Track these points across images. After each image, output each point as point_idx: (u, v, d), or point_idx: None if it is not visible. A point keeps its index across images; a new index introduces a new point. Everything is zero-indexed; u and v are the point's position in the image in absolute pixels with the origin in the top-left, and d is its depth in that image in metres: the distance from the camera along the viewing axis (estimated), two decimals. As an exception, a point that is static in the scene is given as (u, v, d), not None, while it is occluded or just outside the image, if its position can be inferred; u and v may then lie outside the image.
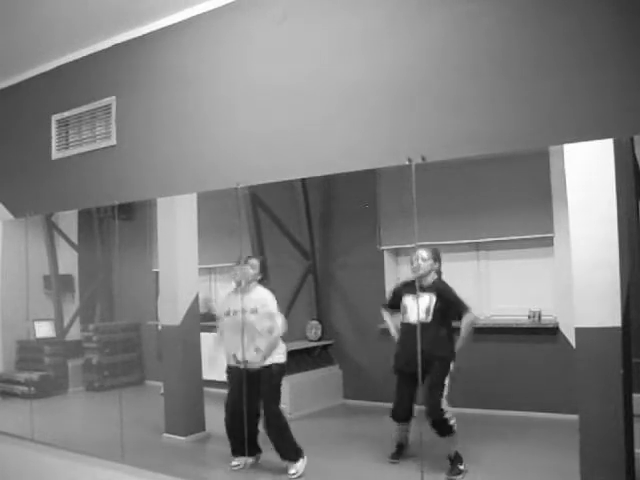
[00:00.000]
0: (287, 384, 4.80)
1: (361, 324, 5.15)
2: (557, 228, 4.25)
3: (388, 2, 2.76)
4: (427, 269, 3.57)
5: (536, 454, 3.48)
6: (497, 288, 4.64)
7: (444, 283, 3.61)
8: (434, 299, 3.48)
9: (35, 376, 5.35)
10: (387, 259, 5.09)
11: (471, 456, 3.43)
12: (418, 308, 3.44)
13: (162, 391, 4.48)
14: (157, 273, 4.70)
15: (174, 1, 3.34)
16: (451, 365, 3.47)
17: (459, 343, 3.51)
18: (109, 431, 3.79)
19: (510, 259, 4.62)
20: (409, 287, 3.65)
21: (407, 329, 3.55)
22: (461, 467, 3.34)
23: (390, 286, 3.72)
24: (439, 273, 3.63)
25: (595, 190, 2.63)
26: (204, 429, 4.21)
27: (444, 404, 3.40)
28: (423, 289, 3.54)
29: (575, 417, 2.65)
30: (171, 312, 4.31)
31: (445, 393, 3.41)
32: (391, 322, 3.76)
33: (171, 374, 4.41)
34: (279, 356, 3.68)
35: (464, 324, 3.52)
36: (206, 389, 4.32)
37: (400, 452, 3.65)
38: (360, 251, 5.28)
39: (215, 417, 3.81)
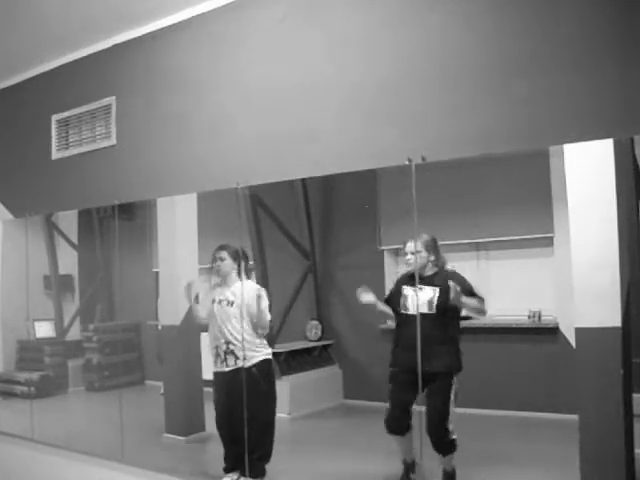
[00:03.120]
0: (287, 384, 4.81)
1: (361, 324, 5.15)
2: (557, 228, 4.24)
3: (387, 2, 2.76)
4: (422, 262, 3.21)
5: (536, 454, 3.48)
6: (497, 288, 4.63)
7: (452, 274, 3.20)
8: (437, 293, 3.13)
9: (35, 376, 5.35)
10: (387, 259, 5.09)
11: (471, 456, 3.42)
12: (418, 300, 3.09)
13: (162, 391, 4.48)
14: (157, 273, 4.70)
15: (173, 1, 3.34)
16: (454, 378, 3.14)
17: (461, 297, 3.06)
18: (109, 431, 3.79)
19: (510, 259, 4.62)
20: (410, 279, 3.24)
21: (406, 321, 3.15)
22: None
23: (390, 286, 3.60)
24: (438, 264, 3.27)
25: (595, 190, 2.63)
26: (204, 429, 4.20)
27: (449, 423, 3.08)
28: (425, 281, 3.18)
29: (575, 417, 2.64)
30: (171, 312, 4.31)
31: (451, 410, 3.10)
32: (385, 307, 3.37)
33: (171, 374, 4.41)
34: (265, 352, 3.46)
35: (477, 301, 3.16)
36: (206, 389, 4.31)
37: (408, 471, 3.30)
38: (360, 251, 5.28)
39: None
